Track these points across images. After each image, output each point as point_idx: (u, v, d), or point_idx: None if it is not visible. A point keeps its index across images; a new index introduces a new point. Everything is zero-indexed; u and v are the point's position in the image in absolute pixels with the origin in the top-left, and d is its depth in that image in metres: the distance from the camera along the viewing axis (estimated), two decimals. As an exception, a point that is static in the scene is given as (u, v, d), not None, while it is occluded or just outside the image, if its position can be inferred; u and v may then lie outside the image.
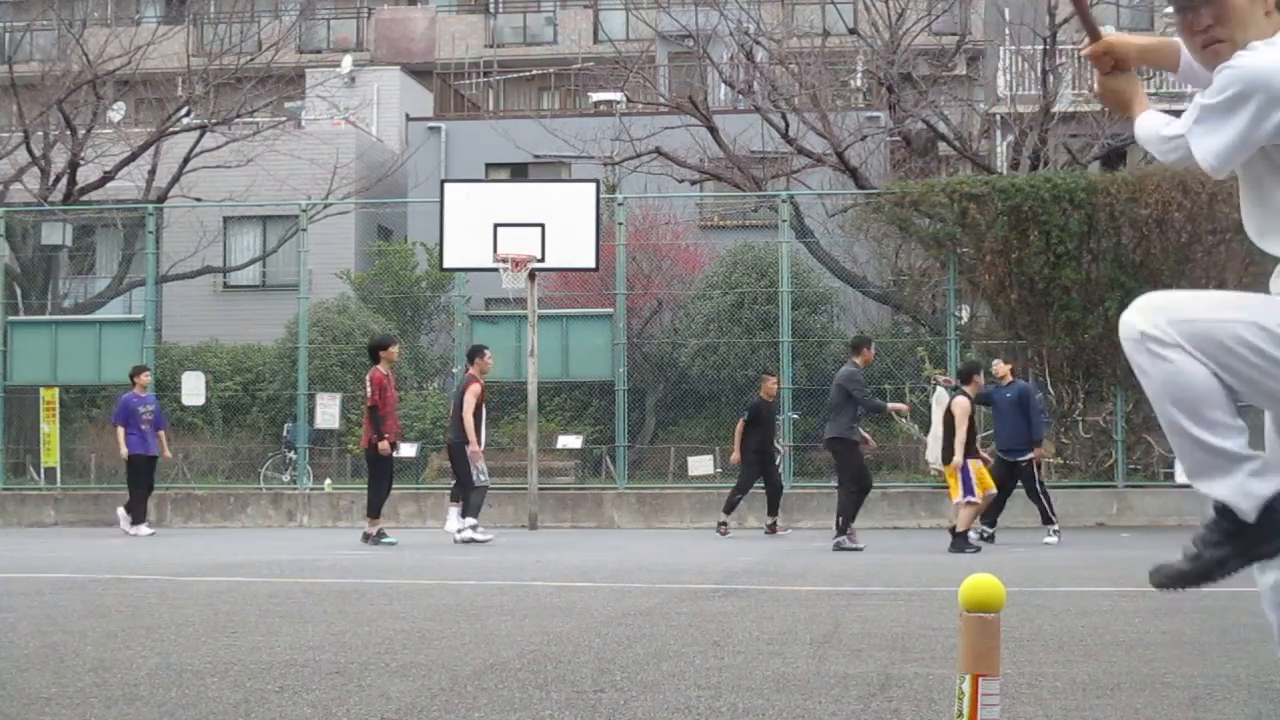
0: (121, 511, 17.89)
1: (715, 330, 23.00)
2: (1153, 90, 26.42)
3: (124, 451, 17.64)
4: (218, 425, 23.72)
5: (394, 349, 15.91)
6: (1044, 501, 15.54)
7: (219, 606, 8.52)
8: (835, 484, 15.61)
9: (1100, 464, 19.46)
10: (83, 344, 21.29)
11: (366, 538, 15.23)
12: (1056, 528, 15.42)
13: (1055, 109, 23.62)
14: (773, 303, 21.25)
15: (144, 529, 17.61)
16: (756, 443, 17.04)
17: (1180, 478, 18.79)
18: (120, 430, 17.64)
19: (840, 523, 14.54)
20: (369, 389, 15.35)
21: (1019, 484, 15.62)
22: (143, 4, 40.52)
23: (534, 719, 4.90)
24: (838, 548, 14.20)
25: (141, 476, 17.78)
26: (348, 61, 34.26)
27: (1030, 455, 15.47)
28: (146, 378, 18.39)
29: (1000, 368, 16.00)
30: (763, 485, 17.28)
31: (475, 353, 16.04)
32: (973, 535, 14.39)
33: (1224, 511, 3.57)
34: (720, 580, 10.26)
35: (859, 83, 28.69)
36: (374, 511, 15.44)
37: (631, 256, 22.44)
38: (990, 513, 15.30)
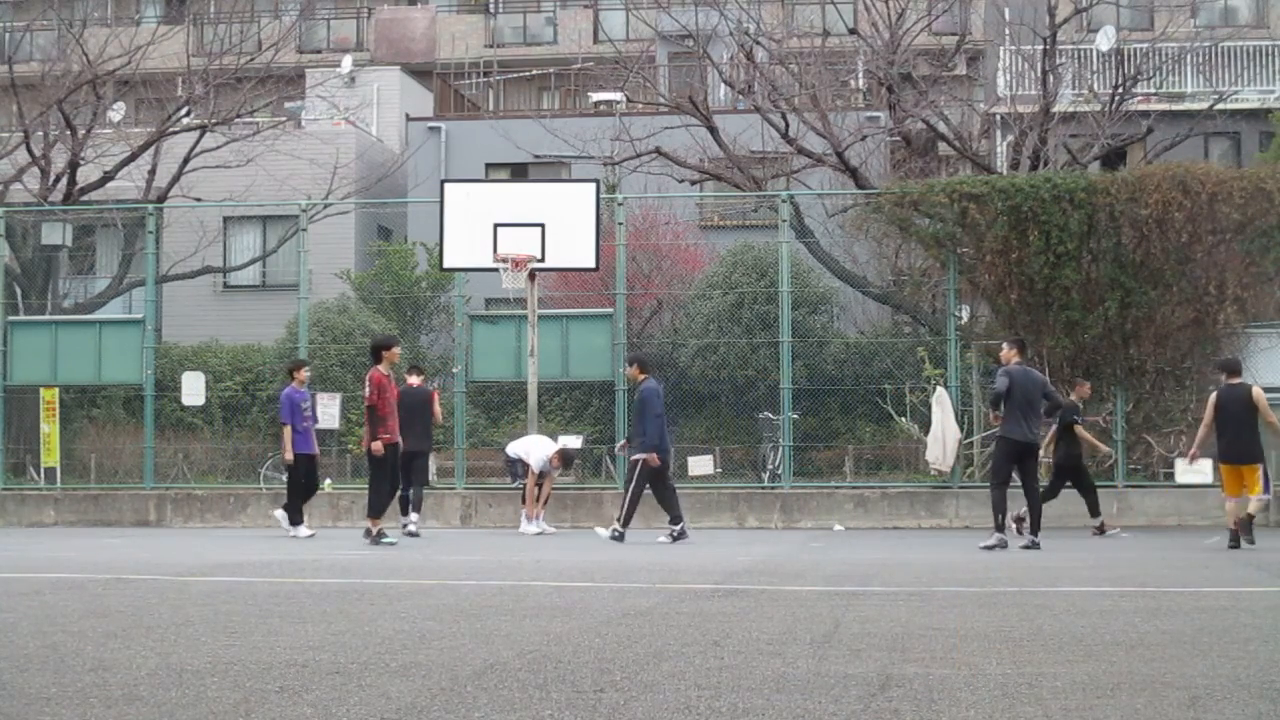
0: (280, 513, 17.14)
1: (715, 330, 23.00)
2: (1153, 90, 26.43)
3: (288, 456, 16.81)
4: (218, 425, 23.72)
5: (396, 350, 15.97)
6: (626, 501, 15.67)
7: (219, 606, 8.52)
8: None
9: (1100, 464, 19.45)
10: (83, 344, 21.28)
11: (368, 534, 15.28)
12: (618, 530, 15.54)
13: (1055, 109, 23.60)
14: (773, 303, 21.24)
15: (304, 530, 16.87)
16: (1073, 446, 16.82)
17: (1180, 477, 18.80)
18: (287, 429, 16.82)
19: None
20: (368, 388, 15.39)
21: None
22: (143, 4, 40.54)
23: (534, 719, 4.90)
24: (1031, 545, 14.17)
25: (303, 475, 16.96)
26: (348, 61, 34.26)
27: (641, 455, 15.45)
28: (306, 373, 17.49)
29: (630, 371, 16.16)
30: (1073, 488, 17.09)
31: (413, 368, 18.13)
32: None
33: None
34: (720, 580, 10.26)
35: (859, 83, 28.68)
36: (375, 512, 15.46)
37: (631, 256, 22.43)
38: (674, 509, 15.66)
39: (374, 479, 15.67)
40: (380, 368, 15.45)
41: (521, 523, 17.62)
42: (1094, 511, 16.97)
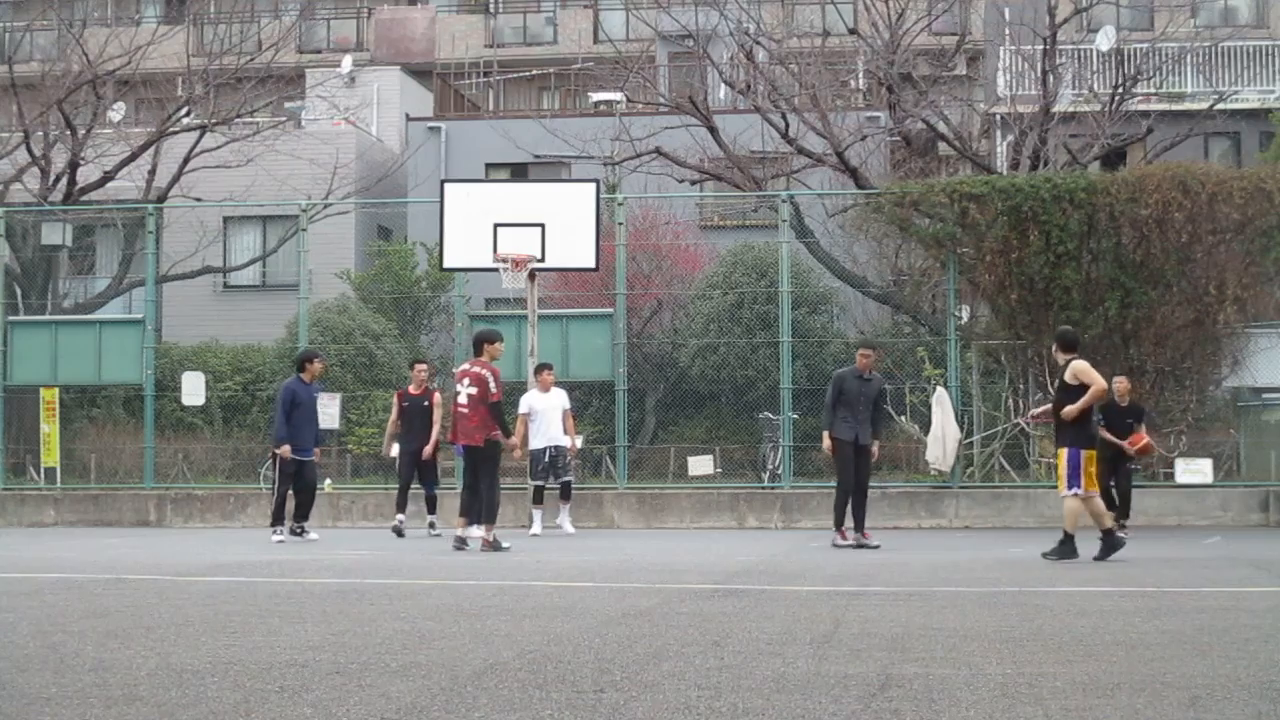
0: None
1: (715, 330, 23.00)
2: (1153, 90, 26.43)
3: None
4: (218, 425, 23.71)
5: (500, 345, 14.81)
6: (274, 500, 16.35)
7: (219, 606, 8.52)
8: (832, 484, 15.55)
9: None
10: (83, 344, 21.25)
11: (486, 545, 13.95)
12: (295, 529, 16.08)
13: (1055, 109, 23.59)
14: (773, 303, 21.24)
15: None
16: None
17: (1180, 478, 18.79)
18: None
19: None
20: (494, 385, 14.04)
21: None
22: (143, 4, 40.56)
23: (534, 719, 4.91)
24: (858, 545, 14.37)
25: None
26: (348, 61, 34.26)
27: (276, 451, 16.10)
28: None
29: (310, 366, 16.43)
30: None
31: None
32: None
33: None
34: (720, 580, 10.26)
35: (859, 83, 28.67)
36: (489, 517, 14.17)
37: (631, 256, 22.41)
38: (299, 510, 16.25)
39: (486, 480, 14.25)
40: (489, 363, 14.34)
41: (534, 524, 17.56)
42: None
